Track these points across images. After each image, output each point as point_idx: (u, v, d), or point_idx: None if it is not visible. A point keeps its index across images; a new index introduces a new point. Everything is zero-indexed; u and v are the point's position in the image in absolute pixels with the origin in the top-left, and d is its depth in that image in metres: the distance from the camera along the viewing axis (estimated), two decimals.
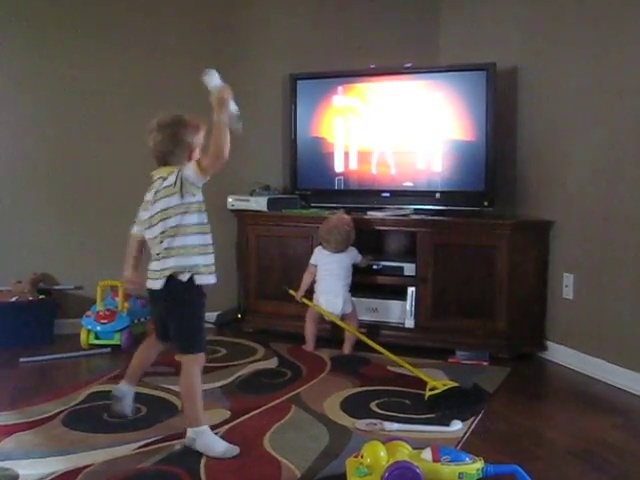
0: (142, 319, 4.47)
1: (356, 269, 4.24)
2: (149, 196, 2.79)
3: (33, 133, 4.52)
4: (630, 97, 3.55)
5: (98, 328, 4.20)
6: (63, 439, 2.80)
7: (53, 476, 2.46)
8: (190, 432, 2.70)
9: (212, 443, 2.68)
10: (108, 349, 4.17)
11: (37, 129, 4.53)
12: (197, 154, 2.80)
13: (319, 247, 4.21)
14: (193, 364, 2.76)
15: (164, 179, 2.73)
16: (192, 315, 2.80)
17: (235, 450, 2.67)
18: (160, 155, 2.77)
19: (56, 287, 4.54)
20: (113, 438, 2.81)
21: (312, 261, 4.20)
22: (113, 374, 3.69)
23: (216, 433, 2.83)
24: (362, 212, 4.41)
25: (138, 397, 3.30)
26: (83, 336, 4.20)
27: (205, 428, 2.70)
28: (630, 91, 3.55)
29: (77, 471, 2.50)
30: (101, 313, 4.23)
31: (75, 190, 4.61)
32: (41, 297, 4.37)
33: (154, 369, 3.75)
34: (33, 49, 4.48)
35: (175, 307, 2.75)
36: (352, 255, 4.19)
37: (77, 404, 3.22)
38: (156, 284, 2.71)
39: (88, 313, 4.28)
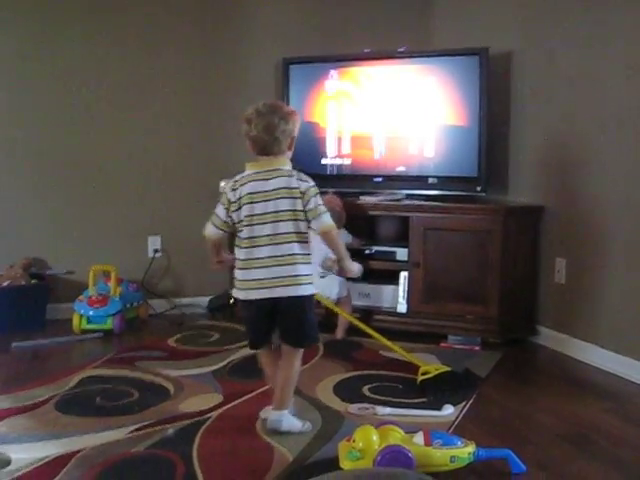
0: (134, 304, 4.47)
1: (349, 253, 4.22)
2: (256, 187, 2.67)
3: (23, 118, 4.49)
4: (623, 82, 3.54)
5: (90, 313, 4.19)
6: (56, 423, 2.81)
7: (46, 460, 2.46)
8: (276, 415, 2.72)
9: (294, 422, 2.74)
10: (100, 334, 4.17)
11: (27, 114, 4.50)
12: (294, 143, 2.75)
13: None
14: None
15: (281, 177, 2.67)
16: None
17: (308, 425, 2.78)
18: (264, 144, 2.67)
19: (48, 272, 4.53)
20: (106, 422, 2.81)
21: None
22: (105, 358, 3.69)
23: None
24: (355, 197, 4.40)
25: (130, 381, 3.31)
26: (75, 321, 4.19)
27: (288, 411, 2.76)
28: (623, 76, 3.54)
29: (70, 455, 2.50)
30: (93, 298, 4.23)
31: (67, 174, 4.58)
32: (33, 282, 4.35)
33: (148, 353, 3.78)
34: (20, 35, 4.45)
35: None
36: (343, 237, 4.18)
37: (70, 389, 3.22)
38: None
39: (80, 298, 4.27)
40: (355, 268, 2.91)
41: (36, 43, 4.46)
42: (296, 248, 2.67)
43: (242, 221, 2.67)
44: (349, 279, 4.19)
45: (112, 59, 4.61)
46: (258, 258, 2.66)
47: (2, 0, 4.39)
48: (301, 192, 2.64)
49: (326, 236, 2.74)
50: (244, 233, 2.68)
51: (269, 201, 2.64)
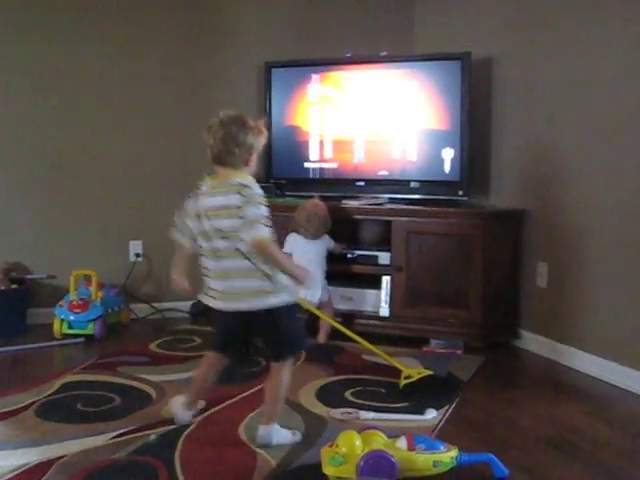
0: (116, 308, 4.44)
1: (331, 257, 4.23)
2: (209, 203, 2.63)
3: (2, 120, 4.45)
4: (603, 87, 3.57)
5: (71, 318, 4.16)
6: (36, 430, 2.78)
7: (26, 467, 2.44)
8: (265, 429, 2.67)
9: (283, 434, 2.70)
10: (82, 339, 4.14)
11: (7, 115, 4.46)
12: (254, 159, 2.68)
13: (292, 234, 4.18)
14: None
15: (224, 193, 2.59)
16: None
17: (299, 435, 2.76)
18: (218, 153, 2.60)
19: (29, 276, 4.49)
20: (87, 428, 2.79)
21: (286, 249, 4.16)
22: (87, 364, 3.66)
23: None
24: (337, 201, 4.40)
25: (112, 387, 3.29)
26: (56, 326, 4.16)
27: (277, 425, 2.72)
28: (603, 81, 3.57)
29: (50, 462, 2.48)
30: (74, 302, 4.19)
31: (48, 178, 4.55)
32: (14, 286, 4.32)
33: (130, 359, 3.75)
34: (9, 31, 4.41)
35: None
36: (326, 242, 4.19)
37: (50, 394, 3.19)
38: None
39: (61, 302, 4.23)
40: (305, 274, 2.74)
41: (16, 43, 4.41)
42: (249, 263, 2.57)
43: (201, 233, 2.65)
44: (330, 283, 4.20)
45: (93, 62, 4.57)
46: (216, 270, 2.63)
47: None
48: (237, 207, 2.54)
49: (259, 249, 2.55)
50: (204, 244, 2.65)
51: (218, 218, 2.59)
